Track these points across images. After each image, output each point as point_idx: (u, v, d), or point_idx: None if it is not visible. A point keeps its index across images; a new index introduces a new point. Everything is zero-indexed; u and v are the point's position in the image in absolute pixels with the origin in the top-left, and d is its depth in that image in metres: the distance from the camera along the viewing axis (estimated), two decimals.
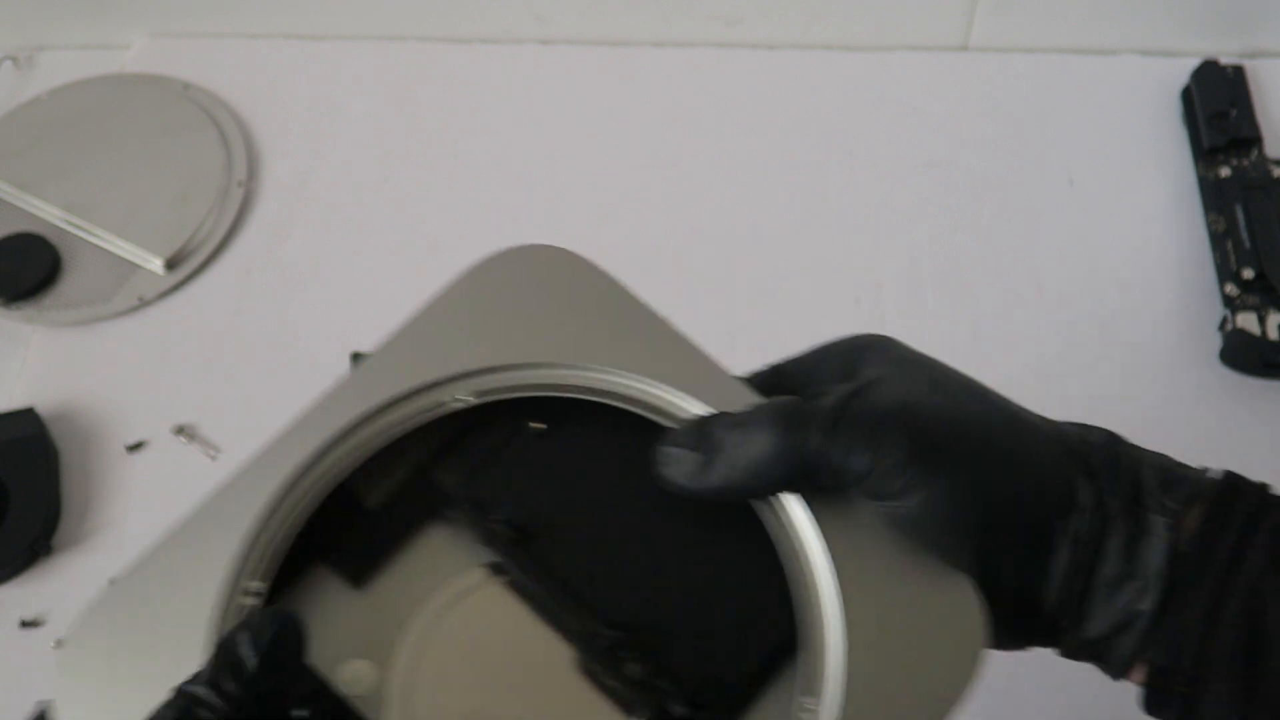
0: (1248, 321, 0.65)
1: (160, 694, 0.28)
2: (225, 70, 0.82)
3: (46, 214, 0.75)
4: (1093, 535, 0.33)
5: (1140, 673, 0.34)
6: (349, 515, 0.36)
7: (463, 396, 0.37)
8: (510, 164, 0.77)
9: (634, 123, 0.78)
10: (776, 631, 0.34)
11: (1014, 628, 0.34)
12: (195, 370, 0.70)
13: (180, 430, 0.68)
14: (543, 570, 0.35)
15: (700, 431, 0.35)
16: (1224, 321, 0.66)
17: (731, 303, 0.69)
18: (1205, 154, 0.72)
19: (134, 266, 0.74)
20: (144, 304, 0.72)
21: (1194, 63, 0.75)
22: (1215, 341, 0.67)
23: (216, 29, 0.84)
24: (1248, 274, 0.67)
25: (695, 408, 0.36)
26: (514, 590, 0.35)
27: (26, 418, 0.66)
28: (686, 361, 0.37)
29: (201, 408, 0.68)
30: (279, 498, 0.35)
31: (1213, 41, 0.77)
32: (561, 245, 0.40)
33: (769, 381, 0.39)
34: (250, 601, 0.33)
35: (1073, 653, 0.35)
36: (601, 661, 0.34)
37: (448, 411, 0.36)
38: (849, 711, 0.31)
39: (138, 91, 0.81)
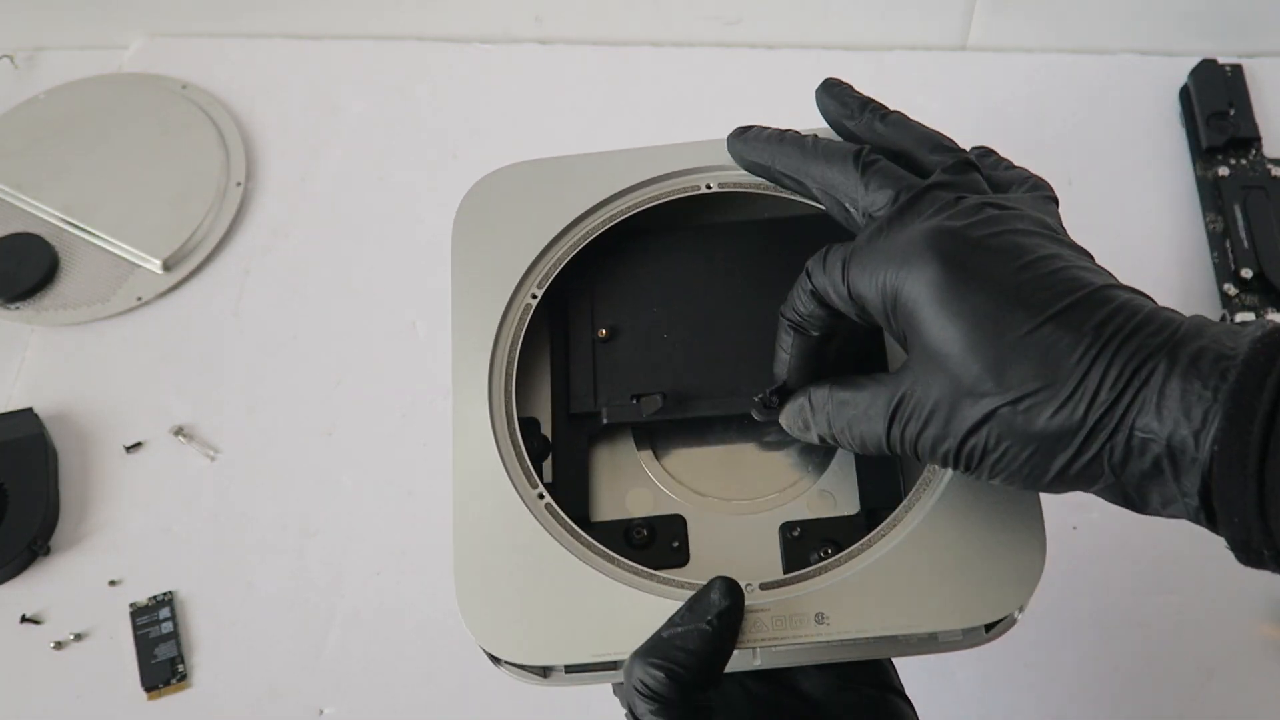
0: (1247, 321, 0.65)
1: None
2: (223, 70, 0.82)
3: (45, 214, 0.75)
4: None
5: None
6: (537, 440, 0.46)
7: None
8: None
9: (633, 123, 0.78)
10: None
11: None
12: (193, 370, 0.70)
13: (179, 431, 0.67)
14: (693, 401, 0.45)
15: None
16: (1223, 321, 0.66)
17: None
18: (1204, 153, 0.72)
19: (132, 266, 0.73)
20: (142, 304, 0.72)
21: (1192, 62, 0.75)
22: None
23: (214, 29, 0.83)
24: (1246, 273, 0.67)
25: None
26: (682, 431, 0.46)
27: (25, 418, 0.66)
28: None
29: (200, 408, 0.68)
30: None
31: (1211, 41, 0.77)
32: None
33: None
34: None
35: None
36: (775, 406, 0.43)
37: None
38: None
39: (136, 91, 0.81)
